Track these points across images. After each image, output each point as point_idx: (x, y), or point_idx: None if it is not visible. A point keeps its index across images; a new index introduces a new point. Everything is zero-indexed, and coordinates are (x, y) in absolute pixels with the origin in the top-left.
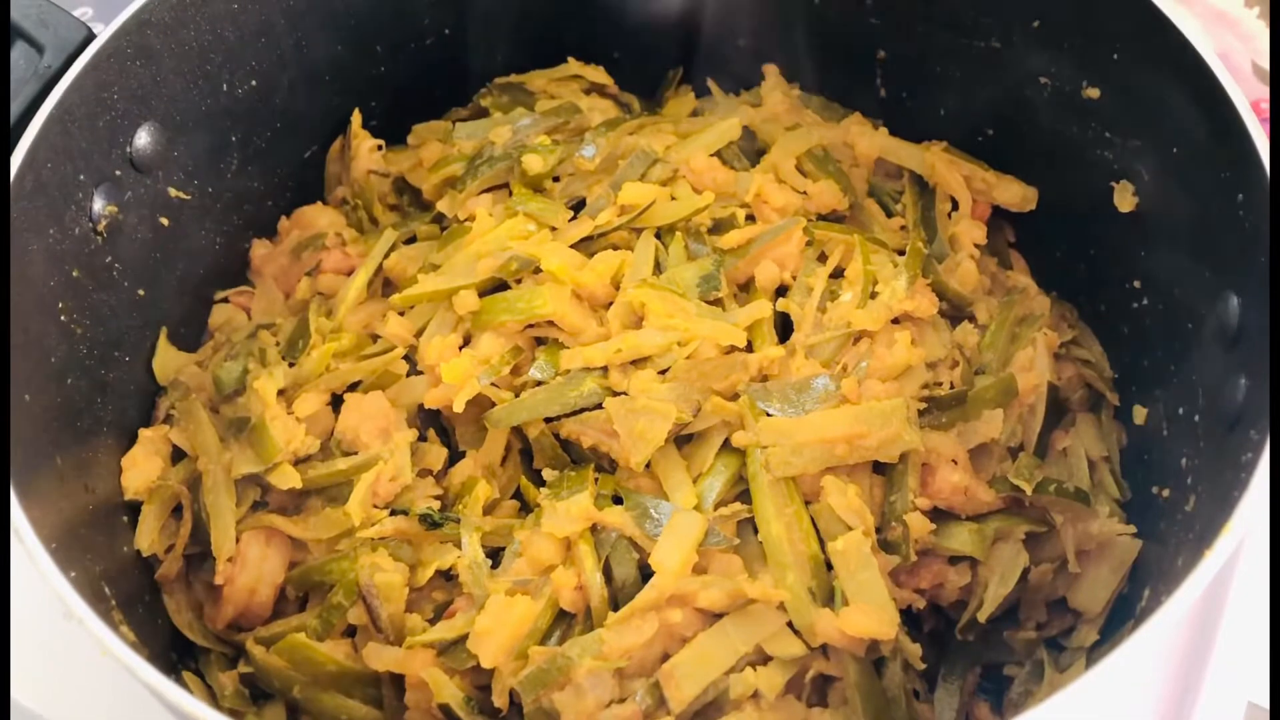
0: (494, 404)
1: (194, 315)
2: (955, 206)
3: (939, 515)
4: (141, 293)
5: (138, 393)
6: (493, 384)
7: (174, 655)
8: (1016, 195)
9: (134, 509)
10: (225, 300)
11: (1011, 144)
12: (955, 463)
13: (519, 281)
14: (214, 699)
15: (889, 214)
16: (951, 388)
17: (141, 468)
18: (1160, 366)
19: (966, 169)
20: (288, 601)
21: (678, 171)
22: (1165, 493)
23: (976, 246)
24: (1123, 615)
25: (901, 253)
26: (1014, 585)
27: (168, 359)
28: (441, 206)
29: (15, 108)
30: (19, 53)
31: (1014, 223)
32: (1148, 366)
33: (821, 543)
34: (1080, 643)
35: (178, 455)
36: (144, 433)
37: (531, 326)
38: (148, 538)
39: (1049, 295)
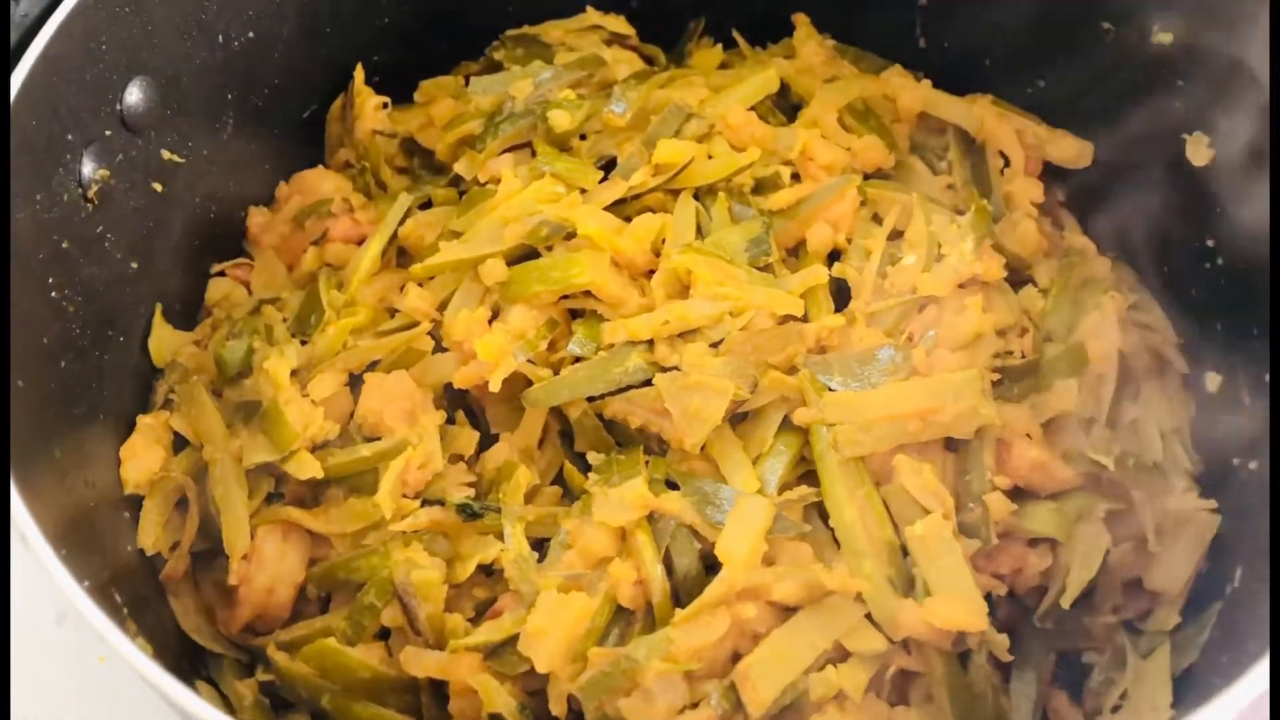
0: (530, 382)
1: (190, 290)
2: (1006, 163)
3: (1015, 495)
4: (135, 266)
5: (134, 376)
6: (529, 360)
7: (185, 662)
8: (1071, 151)
9: (136, 504)
10: (222, 274)
11: (1065, 96)
12: (1030, 438)
13: (550, 248)
14: (230, 709)
15: (934, 171)
16: (1022, 357)
17: (142, 458)
18: (1239, 330)
19: (1017, 123)
20: (308, 601)
21: (713, 127)
22: (1252, 465)
23: (1034, 205)
24: (1209, 596)
25: (958, 212)
26: (1097, 568)
27: (164, 338)
28: (459, 168)
29: None
30: None
31: (1064, 180)
32: (1222, 330)
33: (895, 528)
34: (1160, 626)
35: (180, 444)
36: (142, 419)
37: (566, 298)
38: (151, 535)
39: (1105, 257)
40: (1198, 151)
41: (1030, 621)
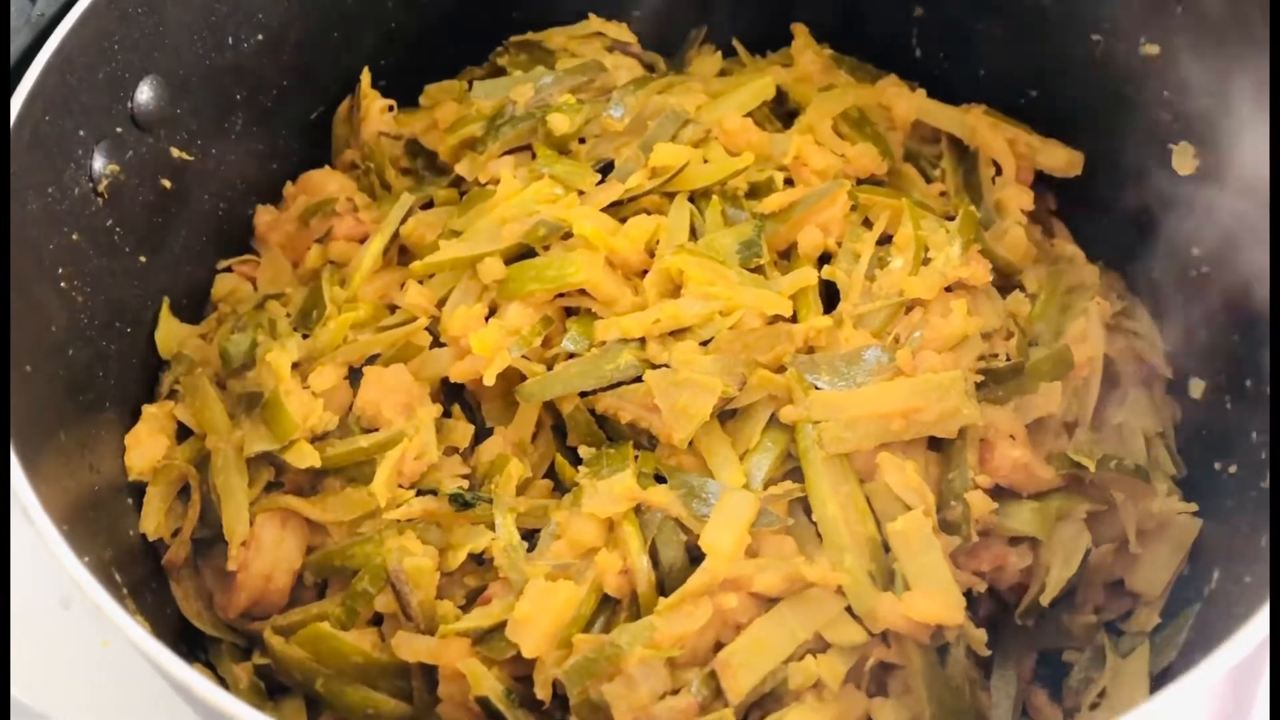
0: (524, 377)
1: (197, 285)
2: (998, 172)
3: (997, 494)
4: (143, 259)
5: (140, 366)
6: (523, 356)
7: (184, 646)
8: (1061, 160)
9: (139, 490)
10: (229, 269)
11: (1056, 106)
12: (1013, 438)
13: (546, 248)
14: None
15: (928, 179)
16: (1007, 359)
17: (146, 446)
18: (1222, 337)
19: (1009, 132)
20: (305, 588)
21: (710, 132)
22: (1232, 469)
23: (1023, 213)
24: (1186, 597)
25: (949, 218)
26: (1077, 567)
27: (171, 331)
28: (460, 169)
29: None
30: None
31: (1056, 189)
32: (1207, 338)
33: (878, 523)
34: (1140, 626)
35: (183, 433)
36: (148, 409)
37: (561, 296)
38: (153, 520)
39: (1095, 264)
40: (1184, 161)
41: (1012, 619)
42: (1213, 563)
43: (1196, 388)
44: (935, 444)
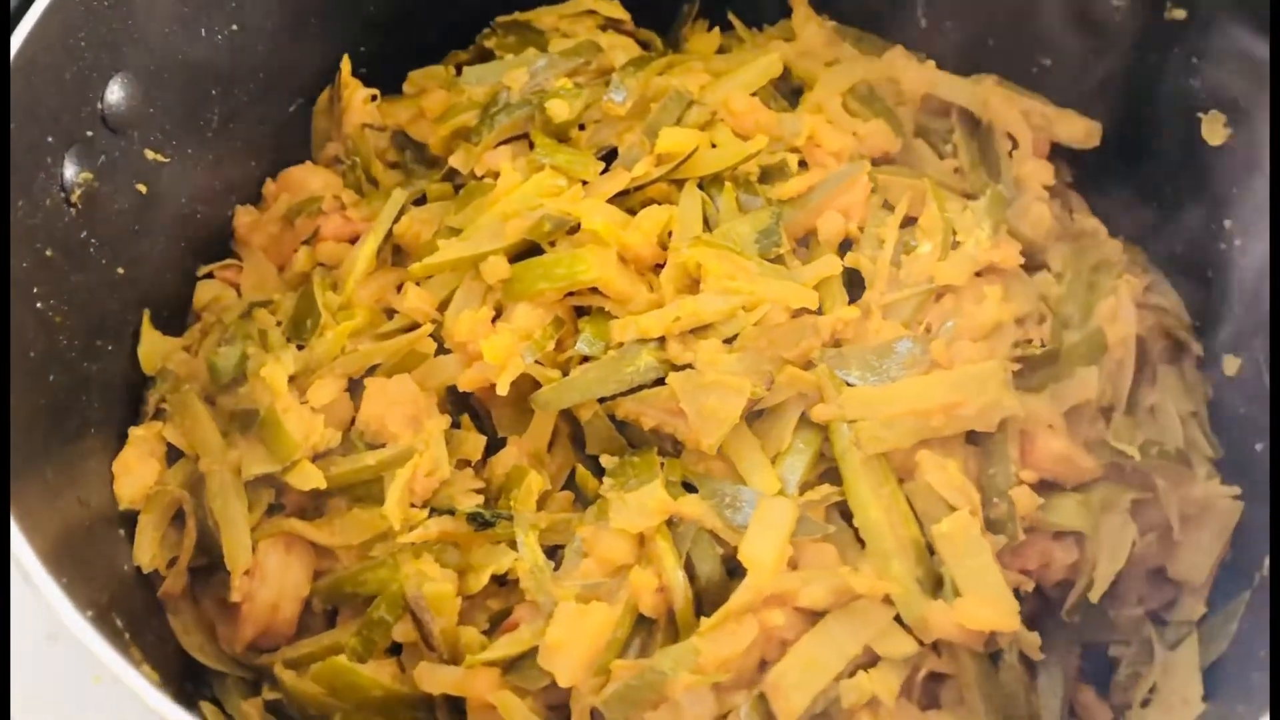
0: (537, 383)
1: (178, 294)
2: (1014, 145)
3: (1039, 488)
4: (121, 271)
5: (124, 386)
6: (536, 361)
7: (188, 683)
8: (1079, 131)
9: (131, 520)
10: (211, 276)
11: (1071, 75)
12: (1053, 428)
13: (553, 244)
14: None
15: (939, 155)
16: (1042, 345)
17: (135, 472)
18: (1256, 312)
19: (1024, 103)
20: (313, 615)
21: (715, 114)
22: None
23: (1044, 188)
24: (1235, 584)
25: (969, 197)
26: (1125, 560)
27: (154, 345)
28: (454, 162)
29: None
30: None
31: (1071, 161)
32: (1240, 313)
33: (920, 526)
34: (1186, 616)
35: (174, 455)
36: (134, 431)
37: (571, 295)
38: (148, 551)
39: (1116, 239)
40: (1214, 131)
41: (1055, 616)
42: (1260, 549)
43: (1231, 365)
44: (972, 438)
